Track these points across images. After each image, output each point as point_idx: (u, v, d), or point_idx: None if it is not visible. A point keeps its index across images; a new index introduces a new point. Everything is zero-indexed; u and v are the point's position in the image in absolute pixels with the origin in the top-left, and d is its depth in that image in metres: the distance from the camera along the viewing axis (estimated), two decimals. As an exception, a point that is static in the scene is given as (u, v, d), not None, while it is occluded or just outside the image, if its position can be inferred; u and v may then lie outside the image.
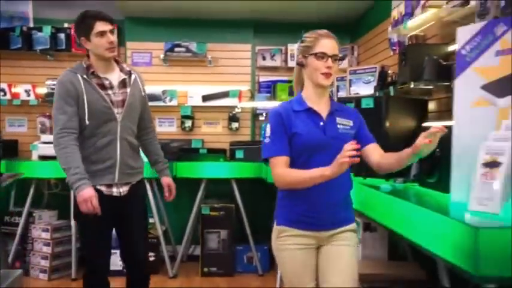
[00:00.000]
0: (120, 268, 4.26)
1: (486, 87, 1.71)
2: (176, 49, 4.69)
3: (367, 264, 2.65)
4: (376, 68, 3.51)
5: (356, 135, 2.00)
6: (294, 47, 4.89)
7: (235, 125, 4.86)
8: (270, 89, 4.88)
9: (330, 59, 1.94)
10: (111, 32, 2.51)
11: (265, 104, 4.73)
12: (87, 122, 2.47)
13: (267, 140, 1.98)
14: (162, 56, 4.73)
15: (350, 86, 3.70)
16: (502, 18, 1.71)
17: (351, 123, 2.02)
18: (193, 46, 4.70)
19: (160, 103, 4.70)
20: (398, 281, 2.37)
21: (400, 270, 2.47)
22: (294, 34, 4.82)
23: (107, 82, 2.53)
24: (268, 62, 4.94)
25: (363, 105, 2.61)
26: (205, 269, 4.31)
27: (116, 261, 4.26)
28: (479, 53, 1.75)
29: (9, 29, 4.72)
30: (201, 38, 4.77)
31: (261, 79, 4.97)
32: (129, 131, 2.60)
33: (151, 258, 4.32)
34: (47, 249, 4.20)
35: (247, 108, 4.92)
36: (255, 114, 4.95)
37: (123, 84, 2.57)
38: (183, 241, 4.41)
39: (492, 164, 1.51)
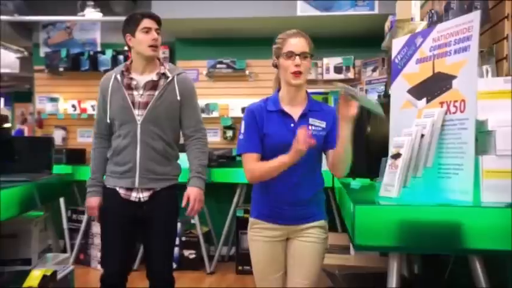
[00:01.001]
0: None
1: (410, 91, 1.94)
2: (218, 66, 5.17)
3: (359, 258, 2.87)
4: (386, 78, 3.71)
5: (325, 136, 2.08)
6: (329, 61, 5.17)
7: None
8: (306, 101, 5.18)
9: (297, 57, 2.00)
10: (157, 31, 2.49)
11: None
12: (108, 121, 2.51)
13: (241, 137, 2.07)
14: (205, 72, 5.23)
15: (366, 94, 3.93)
16: (421, 31, 1.93)
17: (323, 124, 2.08)
18: (233, 62, 5.15)
19: (205, 115, 5.19)
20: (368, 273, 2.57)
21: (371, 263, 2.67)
22: (329, 48, 5.13)
23: (133, 83, 2.48)
24: (304, 76, 5.25)
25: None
26: (240, 268, 4.67)
27: (160, 256, 4.78)
28: (406, 61, 1.98)
29: (80, 54, 5.49)
30: (241, 55, 5.20)
31: (298, 91, 5.28)
32: (153, 135, 2.47)
33: (192, 256, 4.78)
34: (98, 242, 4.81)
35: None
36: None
37: (151, 86, 2.48)
38: (220, 241, 4.81)
39: (396, 156, 1.74)
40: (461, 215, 1.48)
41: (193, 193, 2.53)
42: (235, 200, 4.72)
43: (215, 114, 5.20)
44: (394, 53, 2.05)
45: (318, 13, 4.42)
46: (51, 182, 2.95)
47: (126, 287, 2.57)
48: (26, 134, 6.39)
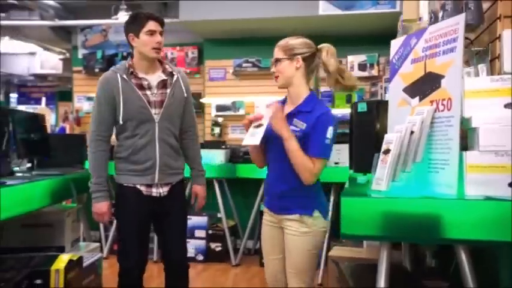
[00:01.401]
0: (193, 255, 5.00)
1: (405, 90, 2.03)
2: (244, 64, 5.33)
3: (371, 251, 2.96)
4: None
5: (304, 139, 2.14)
6: (353, 59, 5.25)
7: (297, 131, 5.34)
8: (331, 98, 5.28)
9: (273, 66, 2.25)
10: (161, 33, 2.52)
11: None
12: (121, 122, 2.50)
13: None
14: (231, 71, 5.41)
15: (385, 92, 4.00)
16: (415, 33, 2.02)
17: (304, 126, 2.16)
18: (258, 61, 5.30)
19: (231, 112, 5.37)
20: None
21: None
22: (354, 46, 5.20)
23: (145, 83, 2.52)
24: (329, 73, 5.35)
25: (359, 109, 2.94)
26: (263, 260, 4.81)
27: (189, 249, 5.00)
28: (402, 62, 2.07)
29: (114, 55, 5.77)
30: (266, 54, 5.33)
31: (322, 89, 5.38)
32: (168, 132, 2.57)
33: (218, 249, 4.97)
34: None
35: (309, 116, 5.37)
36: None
37: (162, 85, 2.55)
38: (245, 235, 4.98)
39: (386, 151, 1.84)
40: (440, 206, 1.58)
41: (200, 191, 2.77)
42: (260, 194, 4.87)
43: (241, 111, 5.37)
44: (392, 53, 2.14)
45: (339, 12, 4.51)
46: (82, 176, 3.18)
47: (142, 280, 2.66)
48: (67, 131, 6.75)
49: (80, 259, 2.51)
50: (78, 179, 3.09)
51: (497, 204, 1.56)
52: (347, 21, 4.77)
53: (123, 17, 5.50)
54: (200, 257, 4.98)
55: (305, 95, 2.25)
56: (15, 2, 5.37)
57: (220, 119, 5.48)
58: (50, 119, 11.62)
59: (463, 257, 1.73)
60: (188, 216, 4.90)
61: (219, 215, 4.97)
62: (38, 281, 2.19)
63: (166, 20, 5.36)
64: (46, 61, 9.72)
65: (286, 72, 2.23)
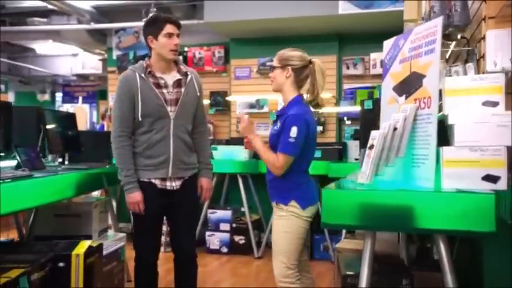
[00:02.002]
0: (218, 247, 5.22)
1: (394, 89, 2.14)
2: (268, 63, 5.47)
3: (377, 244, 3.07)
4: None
5: (278, 138, 2.43)
6: (376, 56, 5.31)
7: (319, 128, 5.44)
8: (353, 95, 5.36)
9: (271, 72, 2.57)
10: (178, 36, 2.67)
11: (347, 109, 5.24)
12: (139, 119, 2.63)
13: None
14: (255, 69, 5.57)
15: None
16: (403, 34, 2.12)
17: (278, 126, 2.46)
18: (282, 60, 5.43)
19: (255, 110, 5.54)
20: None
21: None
22: (376, 43, 5.23)
23: (162, 81, 2.65)
24: (351, 71, 5.43)
25: (365, 107, 3.05)
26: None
27: (213, 241, 5.23)
28: (392, 61, 2.18)
29: (145, 55, 6.02)
30: (291, 53, 5.47)
31: (345, 86, 5.47)
32: (182, 128, 2.72)
33: (242, 241, 5.16)
34: (164, 228, 5.30)
35: (332, 112, 5.47)
36: (339, 119, 5.47)
37: (178, 84, 2.69)
38: (267, 228, 5.14)
39: (371, 146, 1.97)
40: (412, 198, 1.70)
41: (205, 183, 2.88)
42: (282, 190, 5.02)
43: (265, 109, 5.52)
44: (384, 53, 2.25)
45: (359, 11, 4.59)
46: (106, 171, 3.42)
47: (157, 265, 2.81)
48: (105, 128, 7.11)
49: (100, 246, 2.73)
50: (105, 173, 3.32)
51: (467, 196, 1.66)
52: (367, 19, 4.84)
53: (153, 19, 5.76)
54: (224, 249, 5.18)
55: (290, 100, 2.52)
56: (55, 8, 5.71)
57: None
58: (86, 117, 12.22)
59: (442, 246, 1.83)
60: (213, 210, 5.22)
61: (242, 209, 5.15)
62: (61, 264, 2.42)
63: (193, 22, 5.61)
64: (87, 62, 10.21)
65: (277, 79, 2.54)
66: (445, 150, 1.79)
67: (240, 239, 5.16)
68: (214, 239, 5.22)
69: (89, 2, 5.87)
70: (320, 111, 5.26)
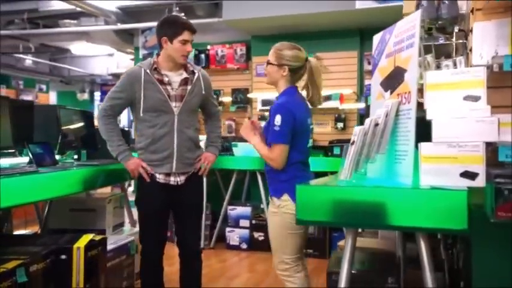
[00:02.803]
0: (237, 243, 5.26)
1: (381, 84, 2.10)
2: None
3: (383, 242, 3.03)
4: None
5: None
6: (398, 51, 5.20)
7: (340, 125, 5.39)
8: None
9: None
10: (191, 42, 2.75)
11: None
12: (141, 114, 2.70)
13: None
14: (275, 67, 5.57)
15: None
16: (389, 28, 2.08)
17: (267, 118, 2.50)
18: (302, 57, 5.41)
19: (276, 107, 5.54)
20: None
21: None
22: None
23: (166, 79, 2.70)
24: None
25: (369, 102, 2.99)
26: (304, 250, 4.94)
27: (233, 237, 5.28)
28: (380, 56, 2.14)
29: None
30: (312, 49, 5.43)
31: (367, 82, 5.38)
32: (187, 124, 2.76)
33: (261, 238, 5.18)
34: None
35: (353, 109, 5.40)
36: (361, 115, 5.40)
37: (184, 82, 2.75)
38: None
39: (352, 143, 1.94)
40: (385, 195, 1.67)
41: (208, 156, 2.94)
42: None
43: (285, 106, 5.51)
44: (373, 48, 2.22)
45: (376, 5, 4.51)
46: (119, 167, 3.51)
47: (163, 258, 2.88)
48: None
49: (103, 240, 2.82)
50: (116, 169, 3.42)
51: (439, 193, 1.62)
52: (386, 13, 4.73)
53: (176, 18, 5.85)
54: (244, 246, 5.22)
55: (282, 91, 2.52)
56: (83, 10, 5.90)
57: (266, 113, 5.67)
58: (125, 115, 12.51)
59: (421, 245, 1.79)
60: (233, 207, 5.27)
61: (262, 206, 5.17)
62: (63, 257, 2.52)
63: (214, 20, 5.66)
64: (121, 61, 10.48)
65: (272, 76, 2.55)
66: (423, 146, 1.75)
67: (259, 235, 5.18)
68: (234, 235, 5.27)
69: (114, 2, 6.03)
70: (341, 107, 5.28)
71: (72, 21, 6.51)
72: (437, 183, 1.71)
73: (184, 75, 2.78)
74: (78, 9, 5.95)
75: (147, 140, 2.74)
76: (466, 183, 1.68)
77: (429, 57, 2.21)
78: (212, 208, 5.49)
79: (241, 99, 5.89)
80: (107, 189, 3.95)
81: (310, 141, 2.63)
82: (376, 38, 2.19)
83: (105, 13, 5.98)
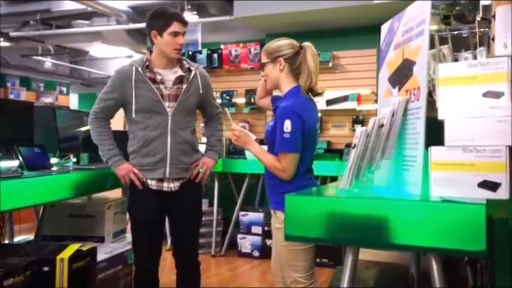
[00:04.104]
0: (249, 251, 5.03)
1: (389, 80, 1.85)
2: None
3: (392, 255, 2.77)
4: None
5: (273, 135, 2.20)
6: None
7: (357, 127, 5.11)
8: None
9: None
10: (183, 34, 2.56)
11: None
12: (133, 115, 2.53)
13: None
14: (290, 66, 5.33)
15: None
16: (398, 15, 1.82)
17: (272, 121, 2.27)
18: (318, 55, 5.15)
19: (290, 108, 5.29)
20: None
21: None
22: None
23: (159, 77, 2.53)
24: (393, 65, 5.05)
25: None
26: (318, 260, 4.69)
27: (245, 244, 5.05)
28: (388, 48, 1.89)
29: (182, 54, 5.97)
30: (325, 47, 5.18)
31: (386, 82, 5.09)
32: (182, 125, 2.58)
33: (274, 244, 4.94)
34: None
35: (372, 110, 5.11)
36: (380, 116, 5.10)
37: (179, 80, 2.56)
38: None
39: (354, 146, 1.69)
40: (388, 208, 1.42)
41: (206, 161, 2.71)
42: (315, 192, 4.75)
43: (300, 107, 5.26)
44: (381, 39, 1.97)
45: (395, -1, 4.23)
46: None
47: (158, 270, 2.68)
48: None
49: (92, 250, 2.62)
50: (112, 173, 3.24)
51: (451, 207, 1.36)
52: (402, 8, 4.46)
53: (188, 16, 5.67)
54: (256, 253, 4.99)
55: (286, 91, 2.28)
56: (94, 9, 5.79)
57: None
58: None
59: (432, 265, 1.54)
60: (245, 212, 5.04)
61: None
62: (46, 268, 2.34)
63: (225, 18, 5.45)
64: (139, 62, 10.38)
65: (271, 75, 2.30)
66: (434, 150, 1.48)
67: (271, 243, 4.92)
68: (245, 242, 5.04)
69: (125, 2, 5.89)
70: (358, 108, 5.00)
71: (85, 22, 6.40)
72: (451, 195, 1.45)
73: (180, 72, 2.60)
74: (90, 9, 5.83)
75: (139, 143, 2.56)
76: (485, 194, 1.41)
77: (445, 49, 1.94)
78: (224, 213, 5.29)
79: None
80: (112, 193, 3.75)
81: (316, 147, 2.40)
82: (385, 28, 1.94)
83: (116, 12, 5.85)
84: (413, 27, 1.65)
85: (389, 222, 1.40)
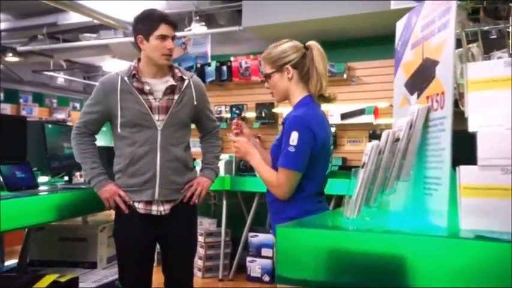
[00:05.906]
0: (259, 275, 4.70)
1: (406, 85, 1.54)
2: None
3: None
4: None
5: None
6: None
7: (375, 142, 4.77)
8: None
9: (266, 83, 2.05)
10: (173, 38, 2.34)
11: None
12: (119, 130, 2.29)
13: None
14: (302, 78, 5.05)
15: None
16: (416, 8, 1.52)
17: (279, 133, 2.00)
18: (331, 66, 4.86)
19: (302, 123, 5.00)
20: None
21: None
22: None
23: (147, 87, 2.29)
24: (412, 76, 4.73)
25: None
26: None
27: (254, 268, 4.73)
28: (404, 48, 1.59)
29: (190, 67, 5.74)
30: (342, 58, 4.88)
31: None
32: (173, 141, 2.33)
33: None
34: (202, 251, 4.90)
35: (390, 124, 4.78)
36: (398, 131, 4.77)
37: (170, 90, 2.33)
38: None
39: (363, 165, 1.39)
40: (406, 245, 1.10)
41: (201, 181, 2.45)
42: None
43: (313, 121, 4.96)
44: (397, 38, 1.67)
45: (413, 4, 3.92)
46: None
47: None
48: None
49: (73, 281, 2.35)
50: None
51: (491, 246, 1.04)
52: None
53: (196, 28, 5.46)
54: (266, 278, 4.65)
55: (297, 102, 2.00)
56: (100, 22, 5.62)
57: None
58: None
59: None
60: (255, 234, 4.72)
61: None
62: (17, 302, 2.07)
63: (235, 28, 5.21)
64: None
65: (279, 86, 2.01)
66: (463, 171, 1.17)
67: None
68: (255, 266, 4.72)
69: (132, 14, 5.71)
70: (375, 122, 4.68)
71: (92, 35, 6.24)
72: (486, 228, 1.13)
73: (171, 82, 2.35)
74: (96, 21, 5.66)
75: (126, 161, 2.32)
76: (532, 228, 1.09)
77: (474, 48, 1.63)
78: (232, 234, 4.99)
79: (266, 114, 5.38)
80: (106, 215, 3.50)
81: (330, 165, 2.09)
82: (400, 24, 1.65)
83: (123, 25, 5.67)
84: (434, 20, 1.34)
85: (407, 262, 1.09)
